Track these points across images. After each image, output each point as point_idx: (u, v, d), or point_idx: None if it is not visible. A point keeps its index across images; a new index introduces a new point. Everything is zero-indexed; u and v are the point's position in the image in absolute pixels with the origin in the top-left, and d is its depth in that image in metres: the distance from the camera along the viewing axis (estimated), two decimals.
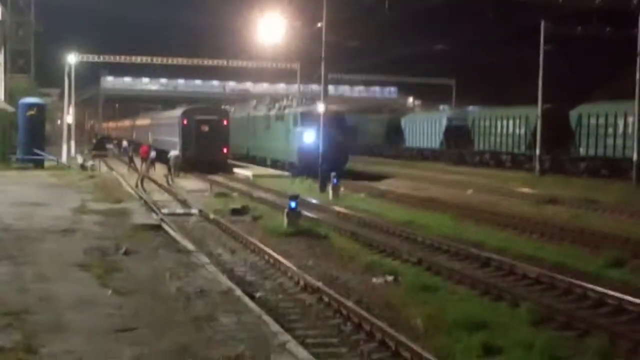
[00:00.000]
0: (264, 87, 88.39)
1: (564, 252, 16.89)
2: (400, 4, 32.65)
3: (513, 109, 50.40)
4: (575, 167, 42.84)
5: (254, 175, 40.71)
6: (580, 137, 42.55)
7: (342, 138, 39.95)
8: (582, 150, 42.54)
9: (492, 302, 12.32)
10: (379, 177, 41.11)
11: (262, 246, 17.05)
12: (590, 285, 12.81)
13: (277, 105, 46.80)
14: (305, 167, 36.74)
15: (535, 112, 43.99)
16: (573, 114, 43.40)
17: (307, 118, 39.12)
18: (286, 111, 43.12)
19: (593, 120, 41.59)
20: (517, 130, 48.22)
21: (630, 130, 36.93)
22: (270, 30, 43.43)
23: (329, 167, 31.84)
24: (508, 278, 14.32)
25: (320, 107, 35.49)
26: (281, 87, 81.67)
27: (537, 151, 43.28)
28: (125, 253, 13.24)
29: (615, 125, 39.61)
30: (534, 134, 44.53)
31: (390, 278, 14.15)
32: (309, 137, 37.53)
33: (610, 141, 40.18)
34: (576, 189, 32.39)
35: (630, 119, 37.03)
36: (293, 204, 20.53)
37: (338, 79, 61.87)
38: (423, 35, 57.66)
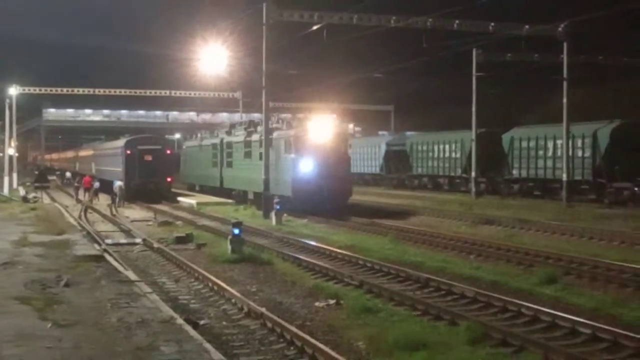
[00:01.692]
0: (207, 116, 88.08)
1: (500, 271, 17.09)
2: (339, 32, 32.85)
3: (449, 133, 51.16)
4: (509, 188, 43.49)
5: (198, 204, 40.18)
6: (513, 159, 43.32)
7: (347, 167, 33.29)
8: (515, 172, 43.22)
9: (431, 322, 12.30)
10: None
11: (206, 274, 16.76)
12: (525, 303, 12.93)
13: (258, 129, 36.23)
14: (302, 202, 29.39)
15: (470, 136, 44.50)
16: (506, 137, 44.20)
17: (302, 143, 30.44)
18: (274, 134, 32.75)
19: (524, 143, 42.45)
20: (453, 154, 48.80)
21: (559, 152, 37.71)
22: (213, 61, 43.54)
23: (331, 201, 28.55)
24: (446, 298, 14.31)
25: (319, 130, 30.63)
26: (224, 115, 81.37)
27: (473, 174, 43.72)
28: (67, 285, 12.92)
29: (546, 148, 40.54)
30: (469, 158, 45.05)
31: (332, 302, 14.07)
32: (307, 166, 29.39)
33: (541, 163, 41.11)
34: (510, 210, 32.90)
35: (559, 142, 37.84)
36: (236, 231, 20.32)
37: (279, 107, 61.65)
38: (362, 63, 58.10)
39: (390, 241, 22.43)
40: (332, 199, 28.20)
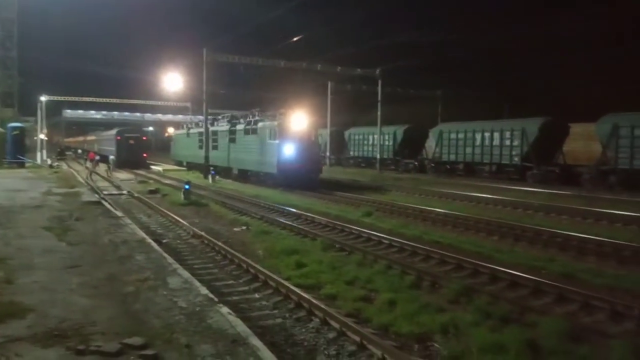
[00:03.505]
0: (168, 117, 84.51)
1: (341, 209, 17.25)
2: (253, 67, 32.32)
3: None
4: (347, 162, 44.32)
5: (164, 170, 38.71)
6: (350, 146, 44.35)
7: (317, 150, 27.75)
8: (351, 153, 44.29)
9: (301, 239, 12.39)
10: None
11: (167, 212, 16.22)
12: (354, 227, 13.19)
13: (245, 121, 29.49)
14: (285, 178, 24.27)
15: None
16: (346, 134, 44.92)
17: (284, 132, 25.16)
18: (259, 125, 26.98)
19: (355, 137, 43.58)
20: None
21: (376, 142, 38.83)
22: (172, 81, 43.43)
23: (307, 176, 24.22)
24: (311, 225, 14.40)
25: (297, 122, 24.95)
26: (180, 117, 78.07)
27: (327, 153, 43.23)
28: (76, 219, 12.17)
29: (368, 140, 41.78)
30: (331, 146, 44.06)
31: (244, 227, 13.98)
32: (289, 150, 24.48)
33: (365, 148, 42.36)
34: (347, 175, 33.50)
35: (376, 136, 38.91)
36: (187, 186, 19.70)
37: (217, 112, 59.97)
38: (268, 88, 57.02)
39: (280, 192, 22.41)
40: (307, 176, 24.13)
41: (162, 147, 69.19)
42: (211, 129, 32.35)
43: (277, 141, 24.43)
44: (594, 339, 6.06)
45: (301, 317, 7.00)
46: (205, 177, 29.53)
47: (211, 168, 29.51)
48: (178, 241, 12.27)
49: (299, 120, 25.00)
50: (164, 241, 11.92)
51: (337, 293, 7.84)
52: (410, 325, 6.48)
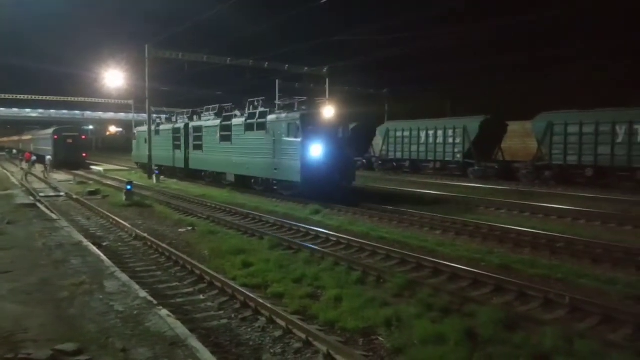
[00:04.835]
0: (110, 115, 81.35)
1: (291, 207, 17.19)
2: (195, 66, 31.59)
3: None
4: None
5: (105, 170, 37.27)
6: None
7: (351, 151, 19.91)
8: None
9: (248, 238, 12.31)
10: None
11: (107, 213, 15.62)
12: (302, 225, 13.21)
13: (245, 113, 22.15)
14: (311, 188, 17.97)
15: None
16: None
17: (309, 126, 18.40)
18: (270, 118, 19.98)
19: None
20: None
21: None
22: (114, 78, 41.59)
23: (340, 185, 18.38)
24: (258, 224, 14.32)
25: (326, 113, 18.86)
26: (122, 115, 75.44)
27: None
28: (9, 222, 11.53)
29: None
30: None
31: (190, 228, 13.70)
32: (317, 151, 18.06)
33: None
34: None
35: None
36: (129, 187, 19.05)
37: (160, 110, 58.11)
38: (209, 85, 56.12)
39: (227, 191, 22.06)
40: (340, 184, 18.45)
41: (104, 147, 66.64)
42: (192, 124, 26.81)
43: (299, 139, 18.07)
44: (528, 327, 6.37)
45: (247, 317, 6.94)
46: (150, 177, 28.67)
47: (155, 167, 28.64)
48: (119, 244, 11.85)
49: (328, 110, 18.96)
50: (104, 244, 11.49)
51: (284, 291, 7.83)
52: (356, 320, 6.58)
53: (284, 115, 19.46)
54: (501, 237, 11.61)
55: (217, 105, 25.51)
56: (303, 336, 6.06)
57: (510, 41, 43.98)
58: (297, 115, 18.75)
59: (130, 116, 56.90)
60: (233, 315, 7.03)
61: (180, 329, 5.24)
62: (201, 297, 7.86)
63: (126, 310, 5.79)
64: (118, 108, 71.38)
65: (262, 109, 20.93)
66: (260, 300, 7.13)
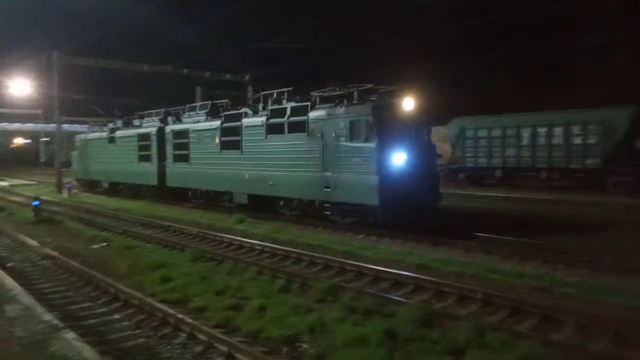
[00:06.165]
0: (16, 126, 75.27)
1: (214, 217, 16.78)
2: (109, 72, 30.09)
3: None
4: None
5: (11, 185, 34.46)
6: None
7: (436, 160, 14.37)
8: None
9: (169, 251, 11.92)
10: None
11: (14, 232, 14.46)
12: (226, 235, 12.99)
13: (260, 109, 16.49)
14: (392, 213, 12.24)
15: None
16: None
17: (385, 123, 12.57)
18: (314, 115, 13.91)
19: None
20: None
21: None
22: (21, 87, 38.18)
23: (426, 205, 12.86)
24: (179, 236, 13.91)
25: (407, 103, 13.10)
26: (29, 125, 70.01)
27: None
28: None
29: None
30: None
31: (104, 244, 12.99)
32: (400, 160, 12.44)
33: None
34: None
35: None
36: (36, 203, 17.69)
37: (72, 120, 54.52)
38: (126, 94, 53.53)
39: (146, 204, 21.08)
40: (428, 206, 12.95)
41: (5, 160, 61.61)
42: (170, 128, 20.56)
43: (372, 143, 12.37)
44: (444, 323, 6.66)
45: (167, 334, 6.68)
46: (59, 191, 26.88)
47: (67, 182, 26.81)
48: (26, 264, 10.98)
49: (408, 102, 13.17)
50: (8, 265, 10.60)
51: (206, 304, 7.63)
52: (280, 328, 6.54)
53: (341, 109, 13.30)
54: (417, 238, 11.95)
55: (209, 102, 19.60)
56: (225, 349, 5.92)
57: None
58: (367, 108, 12.66)
59: (39, 127, 53.13)
60: (152, 334, 6.73)
61: (88, 352, 4.94)
62: (116, 316, 7.46)
63: (29, 335, 5.36)
64: (26, 119, 66.29)
65: (296, 103, 14.98)
66: (180, 316, 6.89)
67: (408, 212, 12.29)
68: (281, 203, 15.93)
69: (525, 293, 7.70)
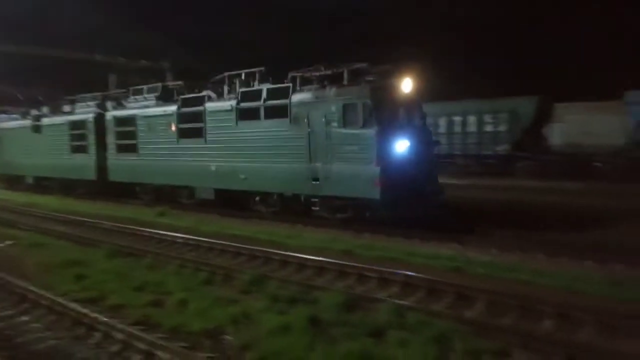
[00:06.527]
0: None
1: (133, 211, 16.02)
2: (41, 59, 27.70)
3: None
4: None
5: None
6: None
7: (433, 148, 12.59)
8: None
9: (84, 248, 11.23)
10: None
11: None
12: (146, 229, 12.48)
13: (228, 90, 14.33)
14: (393, 206, 10.94)
15: None
16: None
17: (384, 106, 11.08)
18: (299, 97, 12.18)
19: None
20: None
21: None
22: None
23: (430, 198, 11.47)
24: (96, 232, 13.14)
25: (405, 84, 11.57)
26: None
27: None
28: None
29: None
30: None
31: (10, 242, 12.03)
32: (402, 148, 10.98)
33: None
34: None
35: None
36: None
37: None
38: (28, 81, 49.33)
39: (57, 199, 19.76)
40: (431, 199, 11.53)
41: None
42: (112, 114, 18.00)
43: (371, 129, 10.91)
44: (365, 306, 6.85)
45: (80, 335, 6.34)
46: None
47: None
48: None
49: (406, 83, 11.72)
50: None
51: (124, 302, 7.32)
52: (203, 322, 6.42)
53: (331, 91, 11.69)
54: (344, 225, 12.18)
55: (159, 84, 17.17)
56: (143, 347, 5.72)
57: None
58: (364, 90, 11.19)
59: None
60: (64, 335, 6.36)
61: None
62: (24, 318, 6.97)
63: None
64: None
65: (272, 85, 13.17)
66: (94, 315, 6.55)
67: (411, 206, 11.03)
68: (257, 199, 14.09)
69: (441, 273, 8.09)
